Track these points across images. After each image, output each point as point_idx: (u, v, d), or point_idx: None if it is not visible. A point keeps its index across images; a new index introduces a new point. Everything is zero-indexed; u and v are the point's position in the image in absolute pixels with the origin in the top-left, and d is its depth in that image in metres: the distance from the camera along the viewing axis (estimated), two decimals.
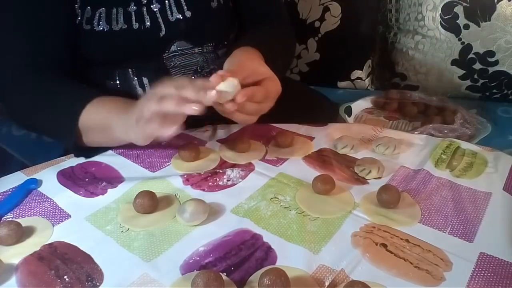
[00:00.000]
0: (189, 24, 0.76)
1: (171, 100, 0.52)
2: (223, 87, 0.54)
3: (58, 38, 0.72)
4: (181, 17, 0.75)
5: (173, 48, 0.77)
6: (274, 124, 0.75)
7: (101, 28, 0.72)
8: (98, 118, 0.64)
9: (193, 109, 0.52)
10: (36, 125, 0.74)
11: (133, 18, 0.74)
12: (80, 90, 0.69)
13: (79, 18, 0.72)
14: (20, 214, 0.55)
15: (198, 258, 0.48)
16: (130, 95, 0.70)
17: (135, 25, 0.74)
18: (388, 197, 0.54)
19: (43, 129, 0.73)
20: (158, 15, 0.75)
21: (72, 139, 0.66)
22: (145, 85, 0.76)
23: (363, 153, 0.67)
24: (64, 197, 0.58)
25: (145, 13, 0.74)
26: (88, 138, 0.66)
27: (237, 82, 0.55)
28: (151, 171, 0.64)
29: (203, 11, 0.79)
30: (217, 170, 0.63)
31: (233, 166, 0.64)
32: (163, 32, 0.75)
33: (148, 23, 0.74)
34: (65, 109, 0.67)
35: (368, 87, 1.37)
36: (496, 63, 1.16)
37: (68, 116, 0.65)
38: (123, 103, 0.64)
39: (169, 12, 0.76)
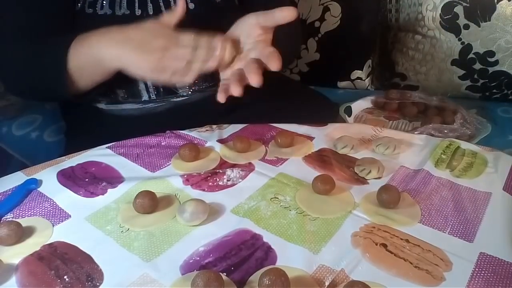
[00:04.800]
0: (191, 16, 0.77)
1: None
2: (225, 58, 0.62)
3: (57, 18, 0.73)
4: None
5: None
6: (274, 124, 0.75)
7: (104, 12, 0.73)
8: (84, 54, 0.66)
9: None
10: (28, 84, 0.74)
11: (136, 4, 0.75)
12: (60, 38, 0.70)
13: (81, 1, 0.73)
14: (20, 214, 0.55)
15: (198, 258, 0.48)
16: (130, 79, 0.72)
17: (138, 12, 0.75)
18: (388, 197, 0.54)
19: (36, 85, 0.74)
20: (161, 3, 0.76)
21: (66, 89, 0.68)
22: None
23: (363, 153, 0.67)
24: (64, 197, 0.58)
25: (148, 0, 0.75)
26: (82, 81, 0.68)
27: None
28: (151, 171, 0.64)
29: (207, 4, 0.79)
30: (217, 170, 0.63)
31: (233, 166, 0.64)
32: None
33: (150, 10, 0.75)
34: (51, 60, 0.68)
35: (368, 87, 1.37)
36: (496, 63, 1.16)
37: (56, 67, 0.67)
38: (105, 33, 0.66)
39: (172, 2, 0.77)
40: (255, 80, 0.58)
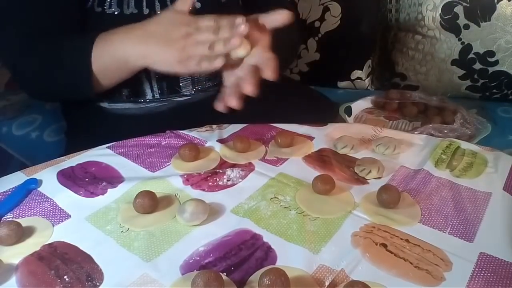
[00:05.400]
0: (197, 15, 0.77)
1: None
2: (240, 54, 0.61)
3: (70, 17, 0.73)
4: (190, 8, 0.76)
5: None
6: (274, 124, 0.75)
7: (112, 10, 0.73)
8: (109, 55, 0.67)
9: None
10: (50, 86, 0.74)
11: (144, 3, 0.75)
12: (82, 37, 0.70)
13: (90, 1, 0.73)
14: (20, 214, 0.55)
15: (198, 258, 0.48)
16: (135, 78, 0.72)
17: (146, 11, 0.75)
18: (388, 197, 0.54)
19: (58, 87, 0.74)
20: (169, 2, 0.77)
21: (90, 90, 0.68)
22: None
23: (363, 153, 0.67)
24: (64, 197, 0.58)
25: None
26: (106, 80, 0.69)
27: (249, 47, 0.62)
28: (151, 171, 0.64)
29: (213, 4, 0.80)
30: (217, 170, 0.63)
31: (233, 166, 0.64)
32: None
33: (158, 10, 0.75)
34: (74, 59, 0.68)
35: (368, 87, 1.37)
36: (496, 63, 1.16)
37: (81, 69, 0.67)
38: (127, 31, 0.67)
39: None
40: (249, 90, 0.59)
